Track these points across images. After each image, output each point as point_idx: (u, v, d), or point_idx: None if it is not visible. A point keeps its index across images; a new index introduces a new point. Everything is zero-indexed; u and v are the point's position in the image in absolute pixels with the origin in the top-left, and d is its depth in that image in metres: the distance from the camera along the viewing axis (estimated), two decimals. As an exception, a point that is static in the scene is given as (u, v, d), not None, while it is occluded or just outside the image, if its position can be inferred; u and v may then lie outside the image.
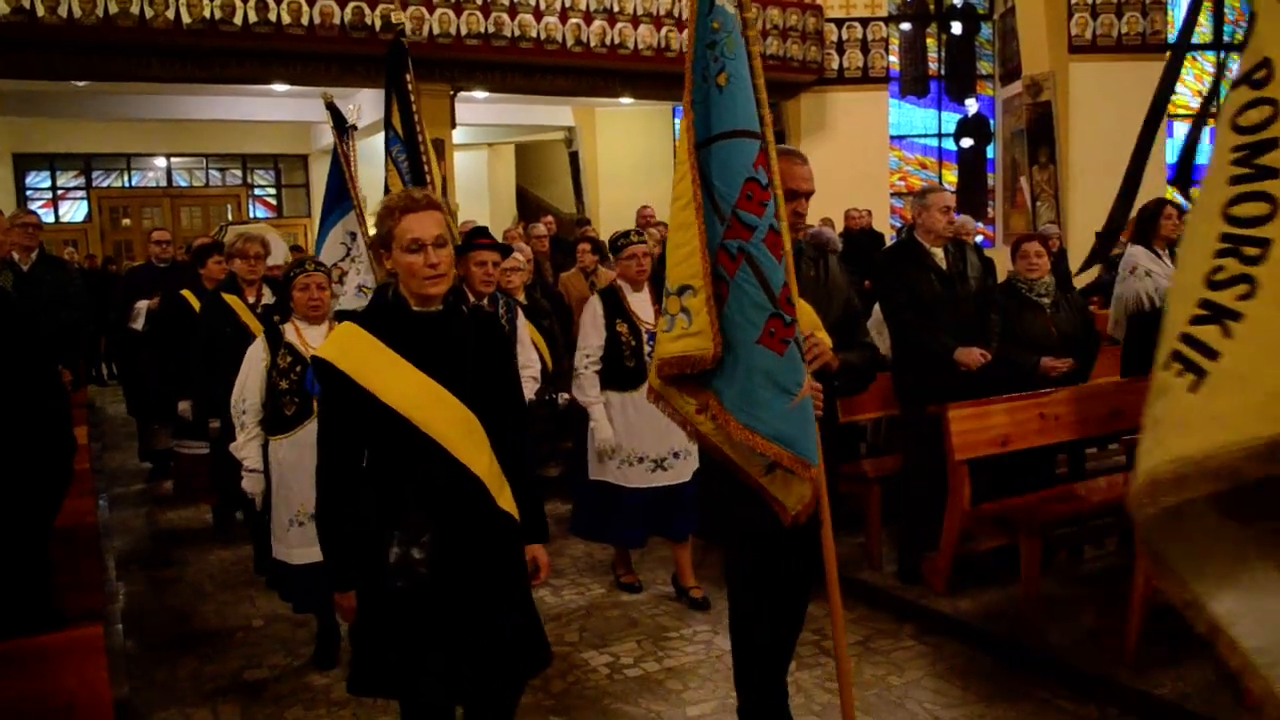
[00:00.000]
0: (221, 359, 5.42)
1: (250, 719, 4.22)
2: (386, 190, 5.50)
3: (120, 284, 8.89)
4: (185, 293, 6.72)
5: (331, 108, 6.27)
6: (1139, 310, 6.01)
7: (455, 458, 2.68)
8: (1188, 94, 16.23)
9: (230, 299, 5.83)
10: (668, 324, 3.06)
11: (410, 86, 6.10)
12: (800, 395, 3.00)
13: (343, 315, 5.68)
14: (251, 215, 19.23)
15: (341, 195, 6.07)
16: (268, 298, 5.89)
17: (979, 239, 13.31)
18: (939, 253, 5.28)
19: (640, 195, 12.29)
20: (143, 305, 7.73)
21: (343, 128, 6.27)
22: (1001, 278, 6.24)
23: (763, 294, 2.96)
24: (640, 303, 5.26)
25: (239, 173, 19.78)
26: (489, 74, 13.03)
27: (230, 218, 18.52)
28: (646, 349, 5.09)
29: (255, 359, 4.55)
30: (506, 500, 2.80)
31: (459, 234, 6.01)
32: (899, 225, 15.60)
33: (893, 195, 16.34)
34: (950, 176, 16.53)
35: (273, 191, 20.08)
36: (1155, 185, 12.57)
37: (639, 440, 5.18)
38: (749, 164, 2.99)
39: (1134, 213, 8.27)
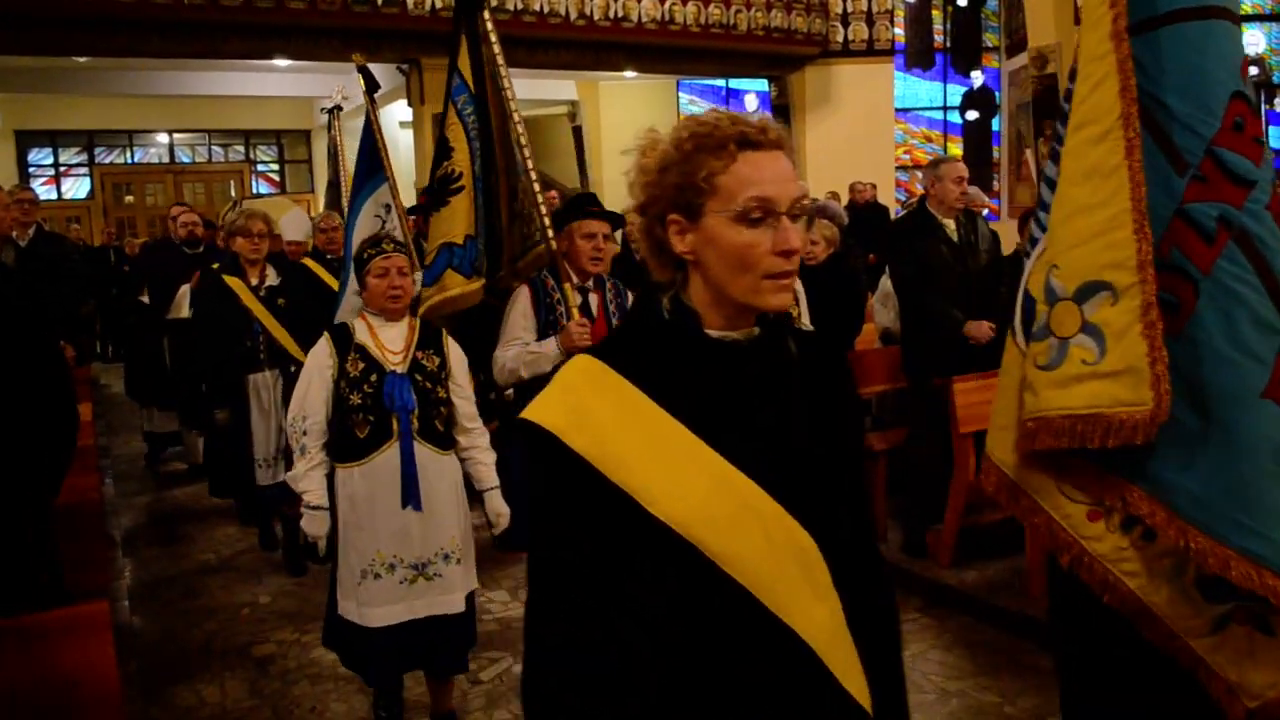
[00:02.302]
0: (221, 346, 5.32)
1: (258, 694, 4.24)
2: (444, 147, 4.58)
3: (136, 263, 8.74)
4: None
5: (364, 71, 5.82)
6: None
7: (777, 618, 1.45)
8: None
9: (231, 281, 5.45)
10: (1050, 354, 1.87)
11: (488, 27, 4.80)
12: None
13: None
14: (255, 191, 19.20)
15: (374, 167, 5.63)
16: (272, 279, 5.55)
17: (984, 212, 13.24)
18: (951, 224, 5.25)
19: (644, 169, 12.22)
20: (185, 290, 7.47)
21: (374, 92, 5.79)
22: (1006, 251, 6.20)
23: (1270, 304, 1.77)
24: None
25: (241, 148, 19.72)
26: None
27: (234, 194, 18.48)
28: None
29: (318, 366, 3.61)
30: (855, 682, 1.54)
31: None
32: (904, 198, 15.53)
33: (898, 169, 16.26)
34: (955, 149, 16.42)
35: (276, 167, 20.03)
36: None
37: None
38: (1235, 68, 1.83)
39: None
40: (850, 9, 15.55)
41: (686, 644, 1.43)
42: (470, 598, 3.76)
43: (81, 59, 12.35)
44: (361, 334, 3.64)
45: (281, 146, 19.95)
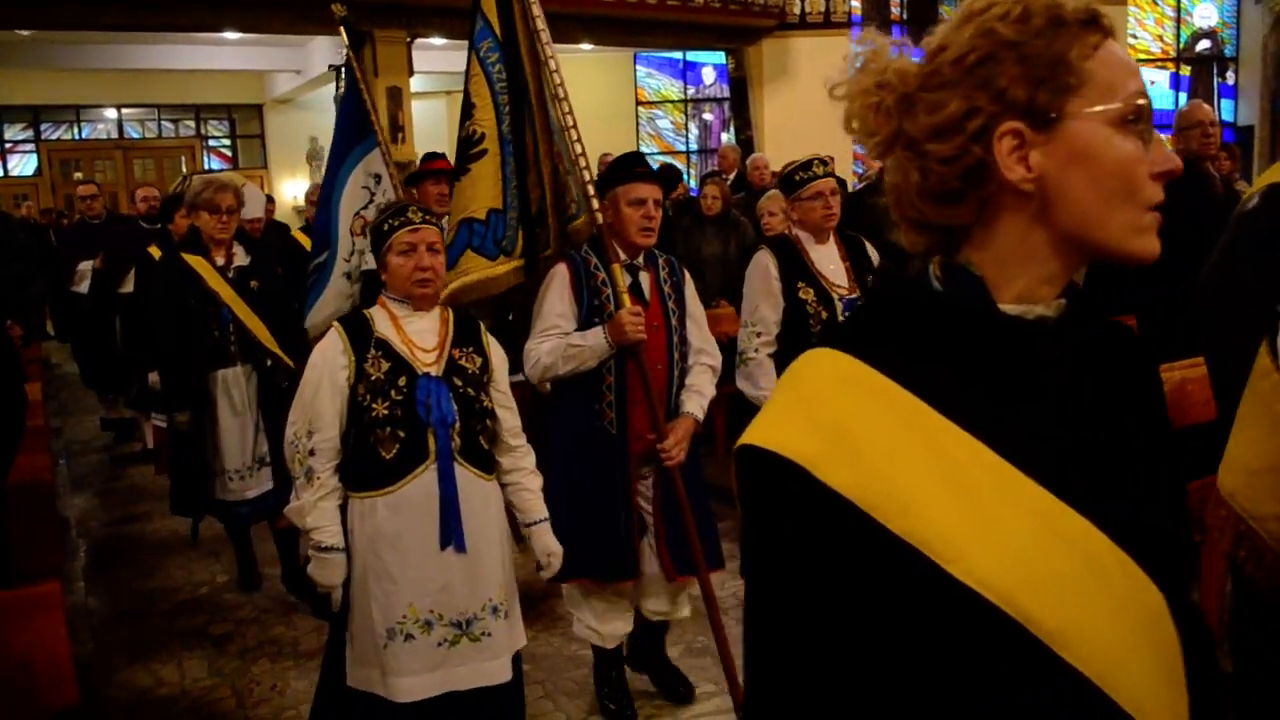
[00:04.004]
0: (183, 335, 4.52)
1: (217, 673, 4.20)
2: (466, 105, 3.77)
3: (61, 245, 8.62)
4: (153, 249, 5.81)
5: (345, 22, 5.14)
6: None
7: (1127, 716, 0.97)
8: (1148, 38, 16.27)
9: (194, 260, 4.58)
10: None
11: None
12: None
13: (371, 276, 4.37)
14: (206, 167, 18.89)
15: (362, 129, 4.82)
16: (240, 258, 4.73)
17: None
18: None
19: (600, 144, 12.16)
20: (86, 266, 7.30)
21: (359, 47, 5.07)
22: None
23: None
24: (826, 258, 3.95)
25: (192, 123, 19.37)
26: (446, 20, 12.77)
27: (185, 169, 18.18)
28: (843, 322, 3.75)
29: (328, 366, 2.84)
30: None
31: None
32: (861, 171, 15.59)
33: (855, 142, 16.28)
34: (912, 122, 16.52)
35: (228, 142, 19.71)
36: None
37: None
38: None
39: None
40: (807, -19, 15.54)
41: None
42: (516, 660, 3.09)
43: (25, 32, 12.07)
44: (383, 326, 2.89)
45: (233, 121, 19.62)
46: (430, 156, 5.14)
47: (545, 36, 3.70)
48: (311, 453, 2.82)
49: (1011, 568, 0.94)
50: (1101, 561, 0.98)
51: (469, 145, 3.66)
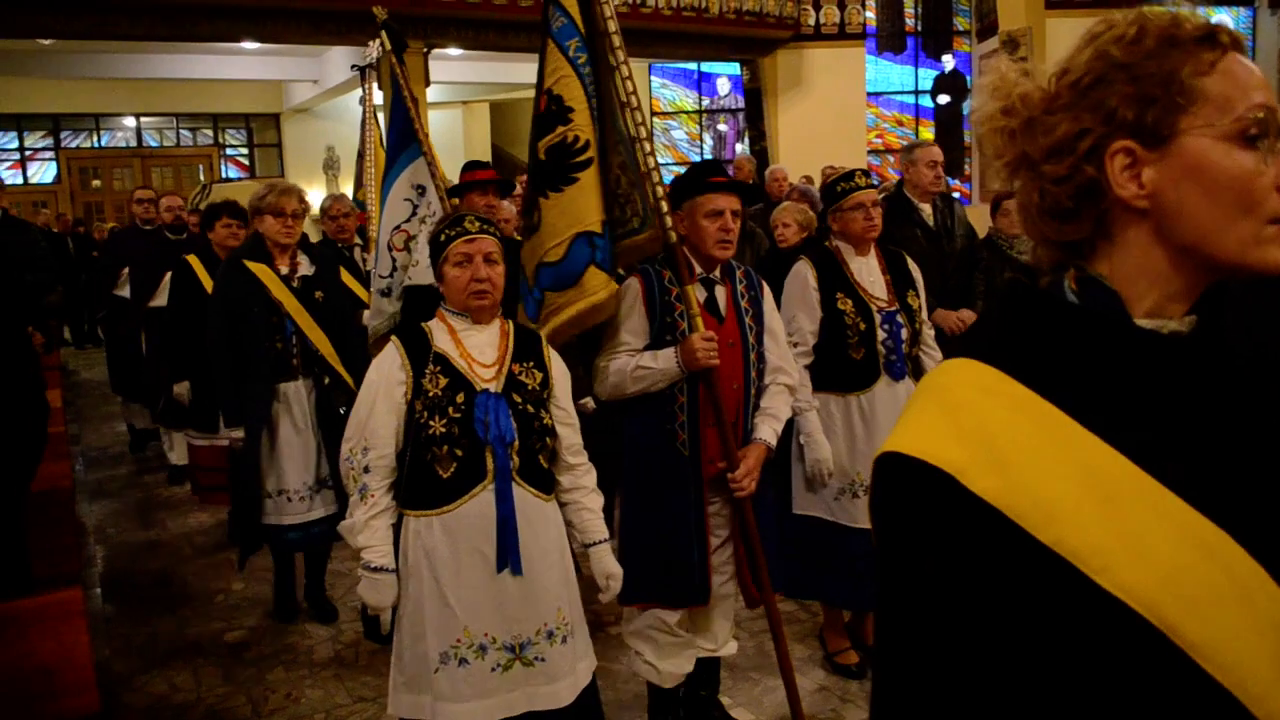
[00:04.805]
0: (245, 346, 4.33)
1: (232, 680, 4.22)
2: (558, 107, 3.39)
3: (105, 249, 8.55)
4: (191, 258, 5.59)
5: (387, 25, 4.87)
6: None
7: None
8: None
9: (257, 268, 4.39)
10: None
11: None
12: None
13: (414, 294, 4.19)
14: (224, 175, 19.01)
15: (407, 137, 4.54)
16: (305, 268, 4.53)
17: (955, 195, 13.32)
18: (927, 208, 5.27)
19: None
20: (127, 271, 7.25)
21: (400, 52, 4.82)
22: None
23: None
24: (865, 270, 3.92)
25: (210, 132, 19.50)
26: (463, 31, 12.86)
27: (202, 178, 18.29)
28: (881, 335, 3.83)
29: (386, 382, 2.79)
30: None
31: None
32: (875, 183, 15.59)
33: (870, 152, 16.29)
34: (927, 133, 16.48)
35: (245, 151, 19.82)
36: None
37: (867, 461, 3.69)
38: None
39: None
40: (822, -8, 15.57)
41: None
42: (590, 689, 2.98)
43: (46, 41, 12.18)
44: (442, 340, 2.82)
45: (251, 130, 19.74)
46: (472, 166, 4.83)
47: (618, 40, 3.41)
48: (366, 470, 2.76)
49: (1156, 579, 0.94)
50: (1240, 574, 0.98)
51: (570, 153, 3.36)
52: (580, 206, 3.32)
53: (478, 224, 2.83)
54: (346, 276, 5.00)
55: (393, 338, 2.88)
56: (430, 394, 2.72)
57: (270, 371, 4.36)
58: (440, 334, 2.83)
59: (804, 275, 3.86)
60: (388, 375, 2.77)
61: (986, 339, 1.12)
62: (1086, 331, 1.05)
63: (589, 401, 4.04)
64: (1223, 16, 15.97)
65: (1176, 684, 0.95)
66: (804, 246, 5.74)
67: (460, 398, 2.72)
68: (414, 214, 4.42)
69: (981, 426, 1.00)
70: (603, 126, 3.41)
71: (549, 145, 3.35)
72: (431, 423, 2.71)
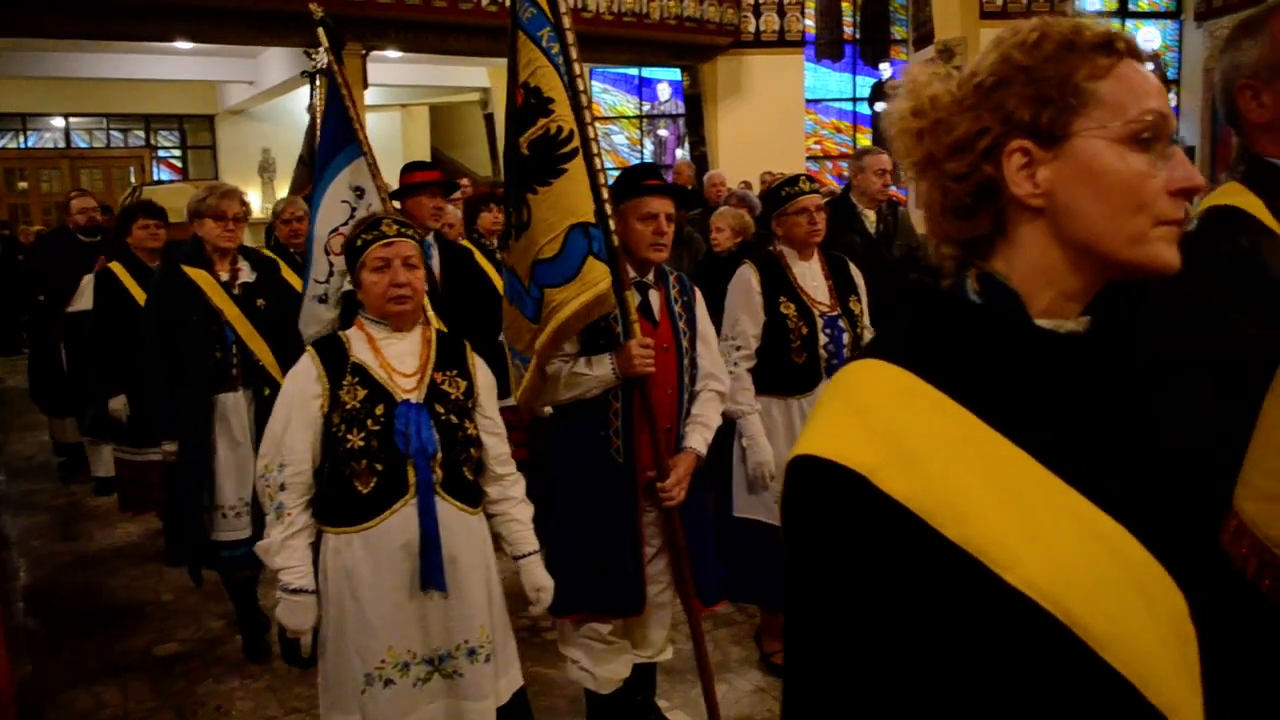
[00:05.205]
0: (182, 355, 4.16)
1: (161, 694, 4.13)
2: (538, 99, 3.24)
3: (30, 253, 8.28)
4: (114, 265, 5.33)
5: (324, 23, 4.70)
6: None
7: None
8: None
9: (196, 274, 4.20)
10: None
11: None
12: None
13: (354, 299, 3.99)
14: (155, 177, 18.64)
15: (345, 136, 4.35)
16: (246, 274, 4.36)
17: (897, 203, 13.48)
18: (871, 215, 5.30)
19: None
20: (88, 280, 6.53)
21: (338, 50, 4.64)
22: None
23: None
24: (809, 274, 3.97)
25: (142, 133, 19.11)
26: (402, 33, 12.73)
27: (134, 180, 17.92)
28: (823, 339, 3.87)
29: (301, 395, 2.69)
30: None
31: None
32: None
33: (808, 159, 16.41)
34: (865, 140, 16.64)
35: (178, 153, 19.45)
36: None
37: None
38: None
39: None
40: (762, 0, 15.66)
41: None
42: (520, 701, 2.97)
43: (-31, 39, 11.86)
44: (360, 349, 2.72)
45: (184, 132, 19.37)
46: (415, 166, 4.73)
47: (571, 36, 3.32)
48: (282, 487, 2.66)
49: (1060, 573, 0.98)
50: (1137, 567, 1.03)
51: (556, 144, 3.21)
52: (572, 198, 3.18)
53: (395, 227, 2.74)
54: (293, 278, 4.77)
55: (308, 348, 2.77)
56: (348, 406, 2.63)
57: (208, 382, 4.19)
58: (358, 343, 2.74)
59: (747, 279, 3.90)
60: (302, 388, 2.68)
61: (893, 340, 1.14)
62: (988, 331, 1.09)
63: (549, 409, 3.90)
64: (1151, 29, 16.34)
65: (1079, 675, 0.98)
66: (739, 251, 5.77)
67: (379, 409, 2.64)
68: (352, 216, 4.28)
69: (890, 427, 1.02)
70: (579, 116, 3.28)
71: (531, 139, 3.21)
72: (349, 436, 2.62)
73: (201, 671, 4.30)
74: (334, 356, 2.70)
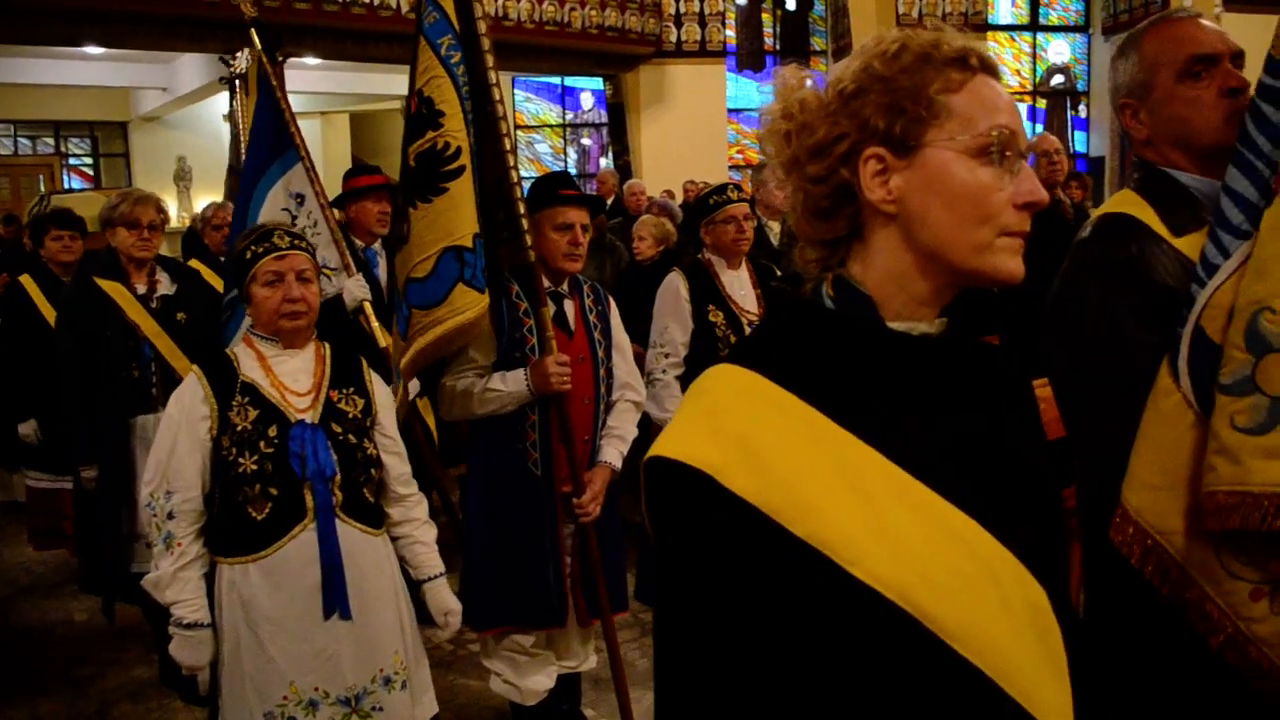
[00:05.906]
0: (96, 375, 3.94)
1: (75, 715, 4.03)
2: (429, 110, 3.16)
3: None
4: (24, 279, 5.03)
5: (257, 24, 4.53)
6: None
7: (1023, 710, 1.04)
8: (1006, 73, 16.96)
9: (110, 287, 3.98)
10: (1258, 415, 1.54)
11: None
12: None
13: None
14: (66, 186, 18.16)
15: (281, 143, 4.20)
16: (165, 286, 4.14)
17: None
18: (776, 227, 5.39)
19: (480, 167, 12.12)
20: None
21: (272, 53, 4.45)
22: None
23: None
24: (737, 283, 4.02)
25: (51, 141, 18.61)
26: (321, 40, 12.59)
27: (43, 188, 17.43)
28: None
29: (187, 417, 2.54)
30: None
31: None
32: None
33: (731, 168, 16.56)
34: (786, 150, 16.87)
35: (89, 161, 18.98)
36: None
37: None
38: None
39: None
40: (683, 10, 15.77)
41: None
42: None
43: None
44: (250, 368, 2.57)
45: (96, 139, 18.91)
46: (359, 170, 4.59)
47: (487, 43, 3.22)
48: (170, 515, 2.51)
49: (909, 568, 1.01)
50: (990, 560, 1.06)
51: (440, 160, 3.12)
52: (449, 219, 3.11)
53: (288, 239, 2.61)
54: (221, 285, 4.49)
55: (193, 367, 2.64)
56: (238, 428, 2.49)
57: (126, 402, 3.97)
58: (248, 361, 2.59)
59: (676, 286, 3.94)
60: (189, 410, 2.53)
61: (752, 345, 1.18)
62: (840, 335, 1.12)
63: None
64: (1061, 43, 16.80)
65: (933, 669, 1.01)
66: (663, 260, 5.82)
67: (273, 431, 2.50)
68: (293, 223, 4.12)
69: (739, 429, 1.04)
70: (479, 131, 3.22)
71: (418, 151, 3.14)
72: (241, 460, 2.48)
73: (117, 692, 4.21)
74: (222, 375, 2.56)
